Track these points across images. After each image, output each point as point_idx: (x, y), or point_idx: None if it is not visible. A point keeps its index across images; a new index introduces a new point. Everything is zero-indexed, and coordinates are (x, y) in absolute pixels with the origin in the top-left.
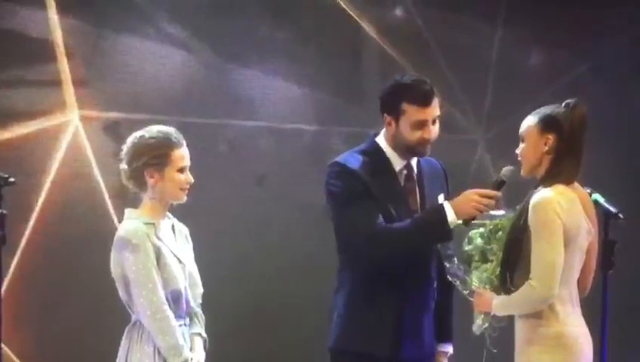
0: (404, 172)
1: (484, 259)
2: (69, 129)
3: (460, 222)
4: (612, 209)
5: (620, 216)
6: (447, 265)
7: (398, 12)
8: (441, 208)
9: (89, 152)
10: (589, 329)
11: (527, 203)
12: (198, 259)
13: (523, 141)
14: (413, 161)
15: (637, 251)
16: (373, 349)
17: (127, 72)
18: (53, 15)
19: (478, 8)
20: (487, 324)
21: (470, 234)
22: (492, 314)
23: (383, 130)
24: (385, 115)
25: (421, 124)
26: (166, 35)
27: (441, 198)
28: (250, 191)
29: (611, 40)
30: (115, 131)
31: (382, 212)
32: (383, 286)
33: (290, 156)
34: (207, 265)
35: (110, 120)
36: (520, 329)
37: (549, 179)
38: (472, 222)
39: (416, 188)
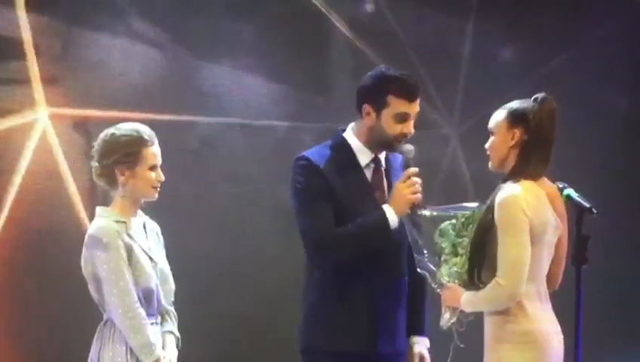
0: (372, 166)
1: (455, 253)
2: (38, 127)
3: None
4: (585, 204)
5: (594, 210)
6: (418, 258)
7: (368, 6)
8: (382, 212)
9: (59, 150)
10: (563, 324)
11: (494, 199)
12: (170, 257)
13: (491, 135)
14: (382, 155)
15: (611, 246)
16: (349, 347)
17: (96, 69)
18: (21, 12)
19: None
20: (454, 319)
21: (442, 226)
22: (460, 309)
23: (352, 124)
24: (365, 105)
25: (403, 118)
26: (135, 31)
27: None
28: (221, 189)
29: (588, 32)
30: (84, 129)
31: (349, 209)
32: (354, 283)
33: (262, 152)
34: (179, 263)
35: (80, 117)
36: (489, 325)
37: (515, 174)
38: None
39: (384, 182)
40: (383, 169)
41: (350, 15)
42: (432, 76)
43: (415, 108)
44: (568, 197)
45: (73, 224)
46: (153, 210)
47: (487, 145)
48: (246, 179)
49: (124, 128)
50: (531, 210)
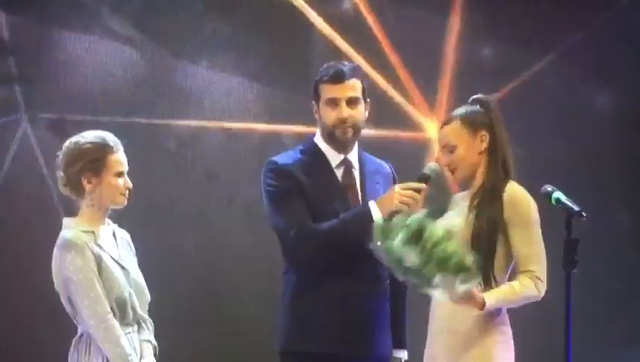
0: (342, 167)
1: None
2: (17, 129)
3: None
4: (575, 207)
5: (583, 214)
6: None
7: (349, 5)
8: (367, 207)
9: (38, 153)
10: (552, 329)
11: (496, 199)
12: (147, 262)
13: (452, 148)
14: (354, 158)
15: (598, 249)
16: (325, 348)
17: (74, 70)
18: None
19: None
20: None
21: (387, 246)
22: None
23: (319, 129)
24: (312, 103)
25: (333, 102)
26: (111, 31)
27: None
28: (199, 192)
29: (574, 32)
30: (61, 131)
31: (320, 209)
32: (329, 284)
33: (241, 153)
34: (156, 268)
35: (56, 119)
36: (474, 320)
37: (504, 178)
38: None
39: (357, 184)
40: (354, 170)
41: (330, 13)
42: (415, 77)
43: (344, 91)
44: (557, 200)
45: (53, 227)
46: (130, 213)
47: (446, 161)
48: (225, 180)
49: (89, 136)
50: None
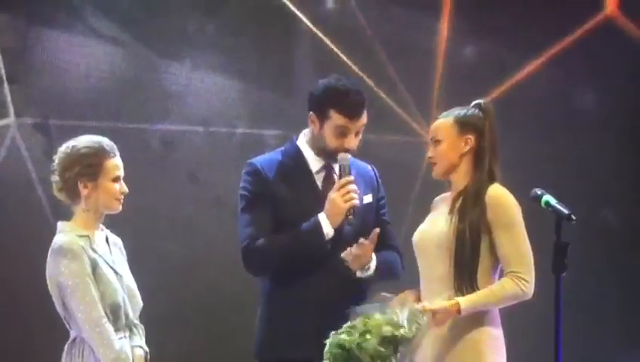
0: (322, 173)
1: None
2: (6, 133)
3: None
4: (564, 210)
5: (573, 217)
6: None
7: (336, 3)
8: (316, 221)
9: (26, 157)
10: (543, 332)
11: (479, 202)
12: (133, 266)
13: (437, 143)
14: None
15: (586, 251)
16: (299, 356)
17: (60, 73)
18: None
19: None
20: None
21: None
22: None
23: (304, 131)
24: (311, 113)
25: (343, 134)
26: (95, 30)
27: (367, 198)
28: (183, 194)
29: (564, 34)
30: (46, 134)
31: (297, 215)
32: (300, 290)
33: (225, 156)
34: (142, 271)
35: (43, 123)
36: (462, 326)
37: (487, 181)
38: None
39: None
40: (335, 175)
41: (318, 13)
42: (406, 81)
43: (357, 124)
44: (547, 203)
45: (41, 233)
46: (115, 216)
47: (431, 154)
48: (209, 182)
49: (85, 140)
50: None
